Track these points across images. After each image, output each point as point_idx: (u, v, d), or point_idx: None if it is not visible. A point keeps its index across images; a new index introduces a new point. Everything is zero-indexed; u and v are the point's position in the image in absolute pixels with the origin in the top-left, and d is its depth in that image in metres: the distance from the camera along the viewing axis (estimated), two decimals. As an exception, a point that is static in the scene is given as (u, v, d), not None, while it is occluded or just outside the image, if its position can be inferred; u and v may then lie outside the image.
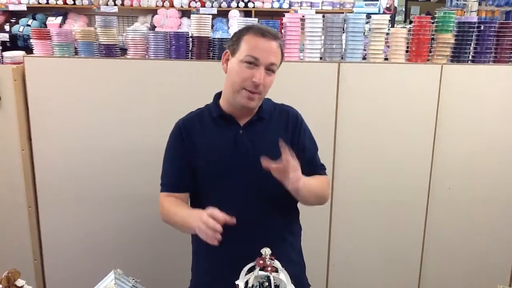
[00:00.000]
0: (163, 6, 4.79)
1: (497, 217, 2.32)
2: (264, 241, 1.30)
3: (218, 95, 1.58)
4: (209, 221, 1.28)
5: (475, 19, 2.21)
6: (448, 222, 2.32)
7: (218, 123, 1.52)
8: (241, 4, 4.76)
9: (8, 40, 4.69)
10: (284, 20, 2.20)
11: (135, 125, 2.20)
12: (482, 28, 2.16)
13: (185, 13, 4.87)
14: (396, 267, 2.37)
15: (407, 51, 2.21)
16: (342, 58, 2.21)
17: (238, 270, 1.28)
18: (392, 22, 4.71)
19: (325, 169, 1.66)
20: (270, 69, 1.44)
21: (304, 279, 1.66)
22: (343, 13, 3.19)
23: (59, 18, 4.79)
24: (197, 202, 1.56)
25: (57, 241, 2.31)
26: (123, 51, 2.29)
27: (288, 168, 1.34)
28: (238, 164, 1.49)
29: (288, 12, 4.43)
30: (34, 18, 4.95)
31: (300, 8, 4.76)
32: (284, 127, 1.56)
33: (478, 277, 2.37)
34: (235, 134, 1.51)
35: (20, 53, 2.28)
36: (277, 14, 4.49)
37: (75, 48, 2.24)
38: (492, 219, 2.32)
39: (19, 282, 1.14)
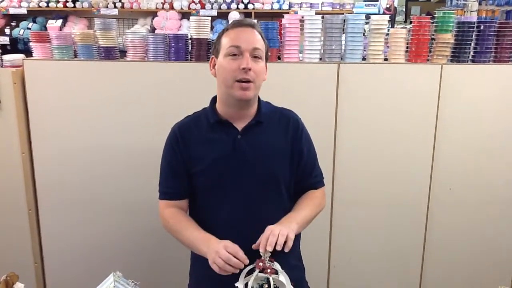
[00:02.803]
0: (163, 8, 4.79)
1: (499, 217, 2.31)
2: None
3: (214, 99, 1.55)
4: (231, 259, 1.28)
5: (474, 19, 2.20)
6: (449, 223, 2.31)
7: (215, 128, 1.50)
8: (241, 6, 4.77)
9: (8, 43, 4.70)
10: (283, 21, 2.19)
11: (135, 127, 2.20)
12: (481, 28, 2.15)
13: (185, 15, 4.88)
14: (397, 268, 2.36)
15: (406, 52, 2.20)
16: (341, 58, 2.20)
17: (237, 274, 1.28)
18: (392, 22, 4.72)
19: (323, 178, 1.64)
20: (255, 55, 1.42)
21: (304, 282, 1.65)
22: (343, 13, 3.19)
23: (59, 21, 4.78)
24: (196, 206, 1.55)
25: (58, 244, 2.31)
26: (123, 53, 2.29)
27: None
28: (237, 169, 1.47)
29: (288, 13, 4.44)
30: (34, 21, 4.97)
31: (300, 9, 4.76)
32: (284, 132, 1.53)
33: (479, 278, 2.36)
34: (233, 139, 1.48)
35: (20, 56, 2.28)
36: (277, 16, 4.49)
37: (75, 50, 2.24)
38: (493, 220, 2.31)
39: (18, 285, 1.14)
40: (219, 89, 1.49)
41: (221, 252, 1.29)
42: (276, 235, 1.30)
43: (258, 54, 1.42)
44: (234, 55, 1.40)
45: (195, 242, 1.42)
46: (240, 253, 1.30)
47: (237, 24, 1.45)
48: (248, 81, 1.40)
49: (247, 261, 1.29)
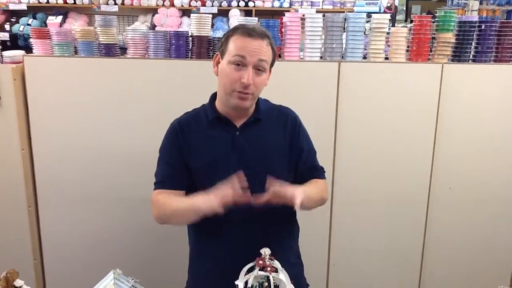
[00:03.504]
0: (163, 5, 4.79)
1: (498, 217, 2.32)
2: (262, 243, 1.30)
3: (214, 96, 1.56)
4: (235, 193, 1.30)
5: (475, 18, 2.20)
6: (449, 222, 2.32)
7: (214, 125, 1.50)
8: (242, 3, 4.76)
9: (8, 39, 4.69)
10: (284, 19, 2.19)
11: (135, 124, 2.20)
12: (483, 27, 2.15)
13: (186, 12, 4.87)
14: (396, 267, 2.37)
15: (407, 51, 2.20)
16: (342, 57, 2.20)
17: (236, 271, 1.28)
18: (393, 21, 4.70)
19: (324, 172, 1.65)
20: (259, 67, 1.41)
21: (303, 279, 1.66)
22: (343, 12, 3.18)
23: (60, 17, 4.79)
24: None
25: (57, 241, 2.31)
26: (123, 50, 2.28)
27: (281, 196, 1.34)
28: (235, 166, 1.47)
29: (288, 11, 4.42)
30: (34, 18, 4.95)
31: (301, 7, 4.76)
32: (282, 129, 1.54)
33: (479, 277, 2.37)
34: (232, 136, 1.49)
35: (20, 52, 2.28)
36: (278, 13, 4.49)
37: (75, 47, 2.23)
38: (493, 219, 2.32)
39: (18, 282, 1.14)
40: (219, 90, 1.50)
41: (224, 191, 1.31)
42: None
43: (262, 66, 1.42)
44: (238, 65, 1.39)
45: (187, 204, 1.39)
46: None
47: (247, 33, 1.41)
48: (247, 93, 1.41)
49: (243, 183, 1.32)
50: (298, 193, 1.34)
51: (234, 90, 1.41)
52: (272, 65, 1.49)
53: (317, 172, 1.61)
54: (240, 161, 1.48)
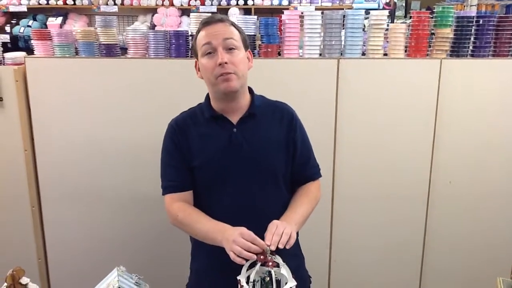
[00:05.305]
0: (163, 5, 4.79)
1: (498, 210, 2.32)
2: (263, 237, 1.31)
3: (209, 95, 1.59)
4: (251, 247, 1.29)
5: (473, 14, 2.21)
6: (449, 216, 2.33)
7: (211, 123, 1.53)
8: (241, 2, 4.76)
9: (9, 41, 4.71)
10: (283, 17, 2.20)
11: (136, 123, 2.22)
12: (481, 22, 2.16)
13: (185, 11, 4.88)
14: (397, 261, 2.38)
15: (406, 47, 2.21)
16: (341, 54, 2.21)
17: (238, 267, 1.30)
18: (392, 17, 4.70)
19: (319, 169, 1.66)
20: (229, 47, 1.44)
21: (304, 271, 1.67)
22: (342, 9, 3.19)
23: (60, 19, 4.81)
24: (196, 199, 1.57)
25: (61, 240, 2.33)
26: (124, 50, 2.30)
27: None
28: (235, 161, 1.49)
29: (287, 9, 4.44)
30: (34, 19, 4.97)
31: (300, 5, 4.75)
32: (278, 124, 1.55)
33: (479, 271, 2.38)
34: (229, 133, 1.51)
35: (21, 54, 2.29)
36: (277, 12, 4.49)
37: (76, 48, 2.25)
38: (493, 213, 2.33)
39: (24, 280, 1.16)
40: (208, 88, 1.53)
41: (238, 240, 1.30)
42: (280, 234, 1.32)
43: (231, 44, 1.45)
44: (209, 53, 1.44)
45: (208, 233, 1.43)
46: (258, 240, 1.31)
47: (206, 22, 1.48)
48: (229, 73, 1.43)
49: (265, 246, 1.30)
50: (292, 235, 1.35)
51: (216, 76, 1.43)
52: (247, 45, 1.52)
53: (312, 171, 1.63)
54: (239, 157, 1.49)
